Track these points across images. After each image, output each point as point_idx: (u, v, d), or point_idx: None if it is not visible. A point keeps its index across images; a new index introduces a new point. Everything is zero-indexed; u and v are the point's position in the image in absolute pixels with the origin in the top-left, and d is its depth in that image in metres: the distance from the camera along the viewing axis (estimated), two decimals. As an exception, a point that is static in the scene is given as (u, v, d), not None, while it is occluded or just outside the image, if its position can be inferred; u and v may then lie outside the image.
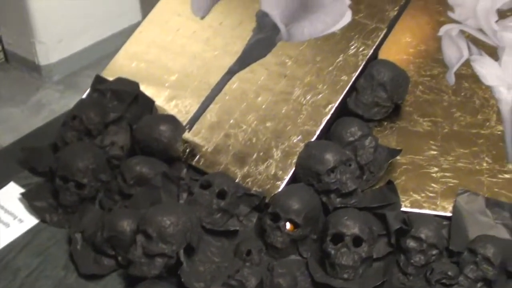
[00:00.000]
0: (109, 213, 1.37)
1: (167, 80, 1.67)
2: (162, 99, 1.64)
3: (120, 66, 1.75)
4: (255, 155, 1.47)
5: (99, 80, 1.67)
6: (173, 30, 1.75)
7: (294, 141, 1.46)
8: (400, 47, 1.67)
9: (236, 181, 1.43)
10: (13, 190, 1.50)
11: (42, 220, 1.43)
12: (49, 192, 1.46)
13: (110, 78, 1.66)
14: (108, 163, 1.48)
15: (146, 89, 1.64)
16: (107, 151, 1.51)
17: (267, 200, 1.38)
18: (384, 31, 1.54)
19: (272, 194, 1.38)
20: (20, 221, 1.44)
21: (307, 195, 1.34)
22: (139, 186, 1.41)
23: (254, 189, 1.42)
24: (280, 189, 1.40)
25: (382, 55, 1.63)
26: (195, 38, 1.71)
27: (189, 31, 1.73)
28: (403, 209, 1.36)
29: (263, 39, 1.62)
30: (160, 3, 1.83)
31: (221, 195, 1.37)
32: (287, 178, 1.42)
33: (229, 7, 1.72)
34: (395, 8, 1.56)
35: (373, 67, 1.50)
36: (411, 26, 1.71)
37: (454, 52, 1.66)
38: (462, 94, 1.58)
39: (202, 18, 1.74)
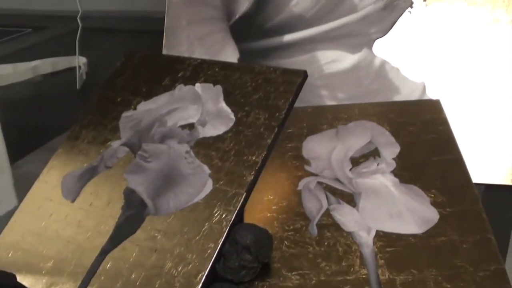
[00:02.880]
0: None
1: (44, 267, 1.69)
2: (40, 287, 1.66)
3: (-3, 257, 1.77)
4: (133, 334, 1.50)
5: (-24, 278, 1.68)
6: (46, 215, 1.79)
7: (170, 314, 1.50)
8: (263, 206, 1.77)
9: None
10: None
11: None
12: None
13: (-11, 271, 1.67)
14: None
15: (24, 279, 1.66)
16: None
17: None
18: (244, 195, 1.64)
19: None
20: None
21: None
22: None
23: None
24: None
25: (247, 215, 1.73)
26: (67, 222, 1.75)
27: (61, 216, 1.78)
28: None
29: (132, 216, 1.69)
30: (32, 190, 1.88)
31: None
32: None
33: (98, 187, 1.79)
34: (252, 173, 1.66)
35: (236, 232, 1.58)
36: (272, 184, 1.83)
37: (314, 204, 1.76)
38: (326, 243, 1.67)
39: (73, 201, 1.79)
